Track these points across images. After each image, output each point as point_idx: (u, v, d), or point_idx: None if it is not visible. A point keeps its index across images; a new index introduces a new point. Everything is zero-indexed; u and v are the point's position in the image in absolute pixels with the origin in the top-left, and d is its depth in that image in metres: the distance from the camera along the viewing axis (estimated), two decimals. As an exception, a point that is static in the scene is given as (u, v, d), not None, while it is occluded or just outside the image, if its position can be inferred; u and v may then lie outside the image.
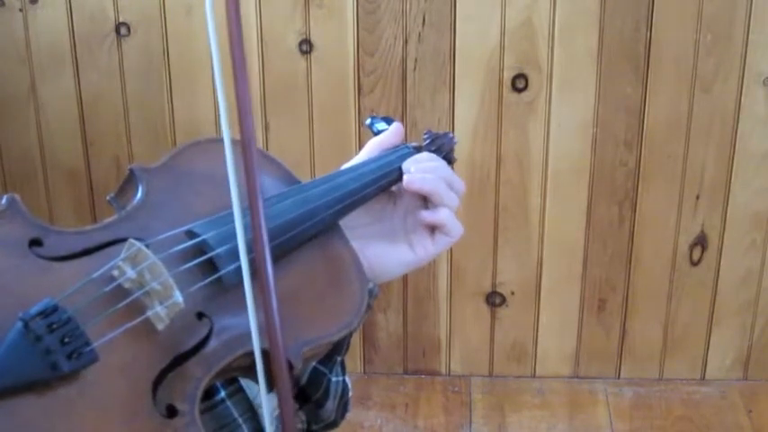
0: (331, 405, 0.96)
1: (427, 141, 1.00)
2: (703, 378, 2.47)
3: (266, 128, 2.29)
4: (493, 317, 2.45)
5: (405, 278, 2.42)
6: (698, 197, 2.30)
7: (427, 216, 0.92)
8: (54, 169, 2.37)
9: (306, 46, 2.22)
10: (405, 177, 0.92)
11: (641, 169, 2.28)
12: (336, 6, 2.18)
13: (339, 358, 0.97)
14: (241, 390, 0.91)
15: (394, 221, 0.96)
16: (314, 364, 0.93)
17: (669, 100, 2.22)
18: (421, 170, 0.93)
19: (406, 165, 0.94)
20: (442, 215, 0.92)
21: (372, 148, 0.98)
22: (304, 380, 0.94)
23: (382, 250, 0.93)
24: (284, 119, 2.28)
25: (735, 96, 2.20)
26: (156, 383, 0.70)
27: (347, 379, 0.98)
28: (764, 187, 2.28)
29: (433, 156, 0.97)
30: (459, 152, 1.04)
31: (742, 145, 2.24)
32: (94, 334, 0.69)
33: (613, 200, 2.31)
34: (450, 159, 1.01)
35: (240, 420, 0.90)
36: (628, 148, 2.26)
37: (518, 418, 2.38)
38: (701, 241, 2.34)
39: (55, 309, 0.67)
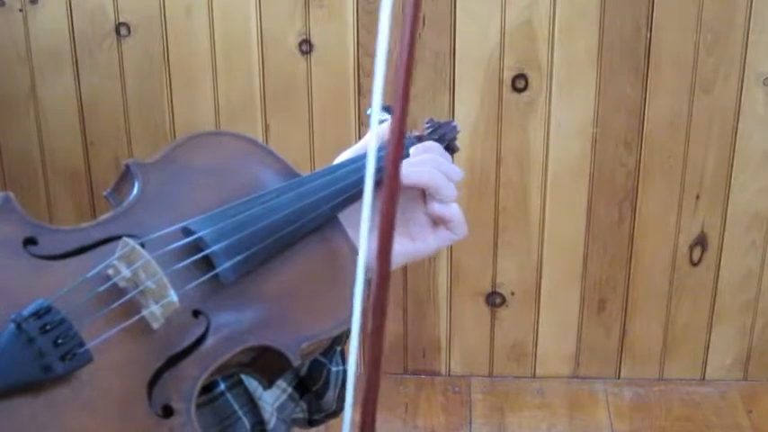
0: (332, 395, 0.96)
1: (429, 130, 0.98)
2: (703, 378, 2.47)
3: (266, 128, 2.29)
4: (493, 317, 2.45)
5: (405, 278, 2.42)
6: (698, 197, 2.30)
7: (437, 209, 0.90)
8: (54, 169, 2.37)
9: (306, 46, 2.22)
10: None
11: (641, 169, 2.28)
12: (336, 6, 2.18)
13: (339, 348, 0.96)
14: (241, 382, 0.91)
15: None
16: None
17: (669, 100, 2.22)
18: (417, 163, 0.91)
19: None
20: (452, 210, 0.90)
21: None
22: (304, 371, 0.94)
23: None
24: (284, 119, 2.28)
25: (735, 96, 2.20)
26: (152, 383, 0.70)
27: (348, 368, 0.98)
28: (764, 187, 2.28)
29: (433, 145, 0.95)
30: (458, 152, 1.03)
31: (742, 145, 2.24)
32: (89, 334, 0.68)
33: (613, 200, 2.31)
34: (453, 148, 0.98)
35: (240, 413, 0.90)
36: (628, 149, 2.26)
37: (518, 419, 2.38)
38: (701, 241, 2.34)
39: (48, 309, 0.67)
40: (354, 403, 0.97)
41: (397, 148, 0.52)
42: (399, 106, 0.51)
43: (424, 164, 0.90)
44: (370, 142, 0.58)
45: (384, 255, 0.53)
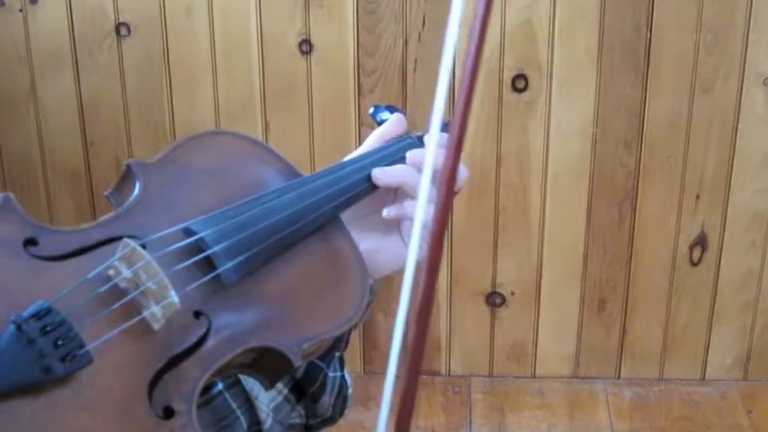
0: (327, 400, 0.96)
1: None
2: (703, 378, 2.47)
3: (266, 128, 2.29)
4: (493, 317, 2.45)
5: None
6: (698, 197, 2.29)
7: (389, 211, 0.89)
8: (54, 169, 2.37)
9: (306, 46, 2.21)
10: (372, 174, 0.89)
11: (641, 169, 2.28)
12: (336, 6, 2.18)
13: (338, 354, 0.96)
14: (238, 382, 0.91)
15: None
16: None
17: (669, 100, 2.21)
18: (414, 162, 0.90)
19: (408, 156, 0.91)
20: (404, 208, 0.88)
21: (373, 139, 0.96)
22: (300, 373, 0.93)
23: (380, 243, 0.92)
24: (284, 119, 2.28)
25: (735, 96, 2.20)
26: (153, 384, 0.70)
27: (346, 375, 0.98)
28: (764, 187, 2.28)
29: (444, 136, 0.94)
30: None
31: (742, 145, 2.24)
32: (89, 335, 0.68)
33: (613, 200, 2.31)
34: None
35: (238, 413, 0.90)
36: (628, 149, 2.26)
37: (518, 419, 2.38)
38: (701, 241, 2.34)
39: (48, 310, 0.67)
40: (349, 406, 0.96)
41: (455, 154, 0.52)
42: (459, 118, 0.51)
43: (419, 164, 0.90)
44: (429, 144, 0.57)
45: (433, 265, 0.53)
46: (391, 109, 0.99)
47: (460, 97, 0.52)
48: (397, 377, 0.58)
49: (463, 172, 0.91)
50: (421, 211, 0.58)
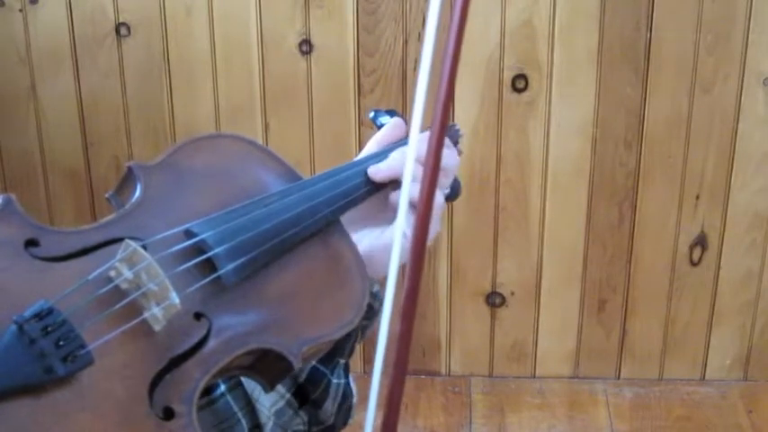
0: (330, 406, 0.95)
1: None
2: (703, 378, 2.47)
3: (266, 128, 2.29)
4: (493, 317, 2.45)
5: (404, 278, 2.41)
6: (698, 197, 2.30)
7: (393, 198, 0.89)
8: (54, 169, 2.37)
9: (306, 46, 2.22)
10: (368, 172, 0.90)
11: (641, 169, 2.28)
12: (336, 6, 2.18)
13: (342, 361, 0.96)
14: (240, 384, 0.91)
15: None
16: (314, 362, 0.93)
17: (669, 100, 2.22)
18: (405, 152, 0.90)
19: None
20: (396, 196, 0.88)
21: (372, 144, 0.96)
22: (303, 376, 0.93)
23: (382, 244, 0.92)
24: (284, 119, 2.28)
25: (735, 96, 2.20)
26: (153, 385, 0.70)
27: (352, 384, 0.97)
28: (764, 187, 2.28)
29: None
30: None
31: (742, 145, 2.24)
32: (90, 336, 0.68)
33: (613, 200, 2.31)
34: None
35: (240, 415, 0.90)
36: (628, 149, 2.26)
37: (518, 419, 2.38)
38: (701, 241, 2.34)
39: (50, 311, 0.67)
40: (358, 403, 0.96)
41: (437, 146, 0.52)
42: (439, 117, 0.52)
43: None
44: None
45: (417, 261, 0.53)
46: (391, 113, 0.99)
47: (441, 89, 0.52)
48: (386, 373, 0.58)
49: (453, 159, 0.91)
50: (405, 195, 0.57)
